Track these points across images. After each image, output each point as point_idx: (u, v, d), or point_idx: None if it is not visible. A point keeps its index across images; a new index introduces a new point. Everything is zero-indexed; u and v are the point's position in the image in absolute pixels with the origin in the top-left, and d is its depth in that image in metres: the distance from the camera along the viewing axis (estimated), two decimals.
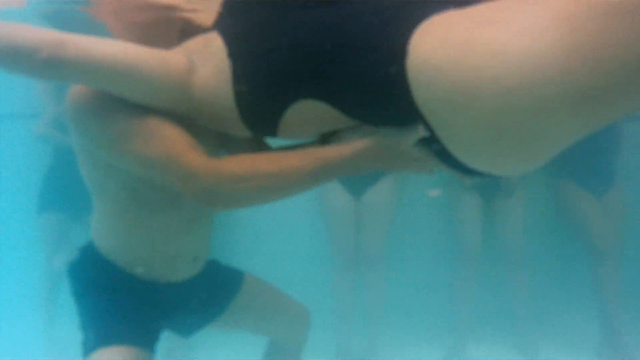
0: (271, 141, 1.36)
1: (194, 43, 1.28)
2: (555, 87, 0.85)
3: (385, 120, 1.10)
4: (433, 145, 1.04)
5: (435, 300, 3.29)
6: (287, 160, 1.14)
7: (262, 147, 1.39)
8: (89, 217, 1.47)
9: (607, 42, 0.82)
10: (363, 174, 1.17)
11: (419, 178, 3.24)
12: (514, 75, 0.87)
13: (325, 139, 1.23)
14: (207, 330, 1.69)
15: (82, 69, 1.07)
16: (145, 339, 1.41)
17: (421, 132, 1.02)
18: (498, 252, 3.19)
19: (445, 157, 1.04)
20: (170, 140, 1.16)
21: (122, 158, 1.19)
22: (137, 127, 1.15)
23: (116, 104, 1.16)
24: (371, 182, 2.94)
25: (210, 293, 1.60)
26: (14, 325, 3.24)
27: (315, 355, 2.11)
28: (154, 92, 1.16)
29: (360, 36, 1.05)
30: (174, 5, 1.69)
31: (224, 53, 1.18)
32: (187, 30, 1.37)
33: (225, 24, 1.25)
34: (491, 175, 1.07)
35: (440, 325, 3.26)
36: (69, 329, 1.76)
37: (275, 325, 1.78)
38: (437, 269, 3.32)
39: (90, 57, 1.06)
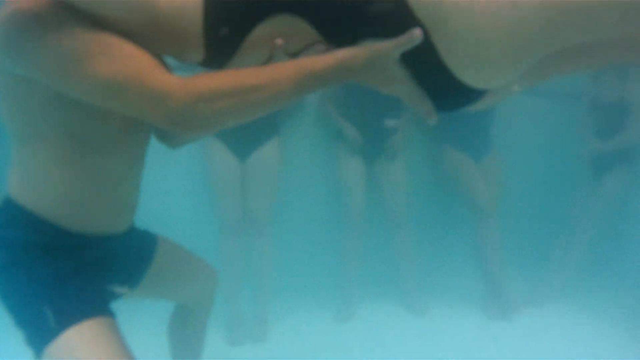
0: None
1: None
2: (533, 10, 1.01)
3: (375, 33, 1.07)
4: (425, 58, 1.07)
5: (324, 263, 3.34)
6: (270, 72, 1.05)
7: None
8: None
9: None
10: (349, 80, 1.08)
11: (302, 141, 3.30)
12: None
13: None
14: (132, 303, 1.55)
15: None
16: (105, 304, 1.25)
17: (418, 34, 1.01)
18: (383, 214, 3.28)
19: (431, 75, 1.09)
20: (137, 58, 1.02)
21: (78, 84, 1.02)
22: (96, 46, 1.00)
23: (66, 21, 1.01)
24: (256, 145, 2.93)
25: (137, 250, 1.46)
26: None
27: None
28: None
29: None
30: None
31: None
32: None
33: None
34: (460, 103, 1.18)
35: (329, 287, 3.31)
36: None
37: (189, 288, 1.67)
38: (325, 231, 3.36)
39: None
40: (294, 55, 1.13)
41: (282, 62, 1.07)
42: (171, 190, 3.11)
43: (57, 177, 1.19)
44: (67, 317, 1.14)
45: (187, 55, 1.14)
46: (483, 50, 1.05)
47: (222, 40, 1.11)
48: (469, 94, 1.14)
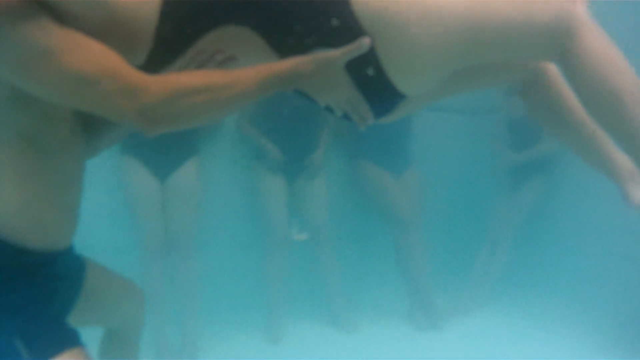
0: None
1: None
2: (456, 27, 1.18)
3: (323, 43, 1.17)
4: (367, 65, 1.19)
5: (249, 285, 3.28)
6: (237, 73, 1.11)
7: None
8: None
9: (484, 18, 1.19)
10: (300, 85, 1.18)
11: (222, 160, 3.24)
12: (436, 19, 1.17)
13: None
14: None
15: None
16: (75, 332, 1.17)
17: (367, 42, 1.13)
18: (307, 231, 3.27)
19: (370, 81, 1.21)
20: (107, 53, 1.02)
21: (45, 79, 0.99)
22: (65, 40, 0.99)
23: (33, 16, 0.97)
24: (174, 165, 2.87)
25: (72, 272, 1.34)
26: None
27: None
28: None
29: None
30: None
31: None
32: None
33: None
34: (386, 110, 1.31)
35: (256, 309, 3.24)
36: None
37: (118, 310, 1.56)
38: (249, 251, 3.31)
39: None
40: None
41: (245, 67, 1.14)
42: (91, 210, 2.89)
43: (14, 185, 1.10)
44: (44, 351, 1.08)
45: (128, 57, 1.11)
46: (416, 58, 1.19)
47: (169, 44, 1.14)
48: (397, 100, 1.28)
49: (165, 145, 2.78)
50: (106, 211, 2.95)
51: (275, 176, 3.15)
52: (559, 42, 1.23)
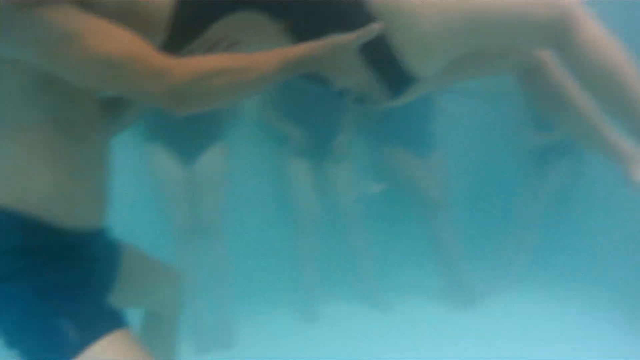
0: None
1: None
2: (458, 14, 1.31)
3: (335, 29, 1.23)
4: (380, 50, 1.29)
5: (283, 265, 3.31)
6: (256, 57, 1.15)
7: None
8: None
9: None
10: (316, 68, 1.23)
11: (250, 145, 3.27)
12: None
13: None
14: None
15: None
16: (120, 312, 1.19)
17: (377, 27, 1.20)
18: (336, 215, 3.30)
19: (382, 63, 1.32)
20: (131, 38, 1.06)
21: (74, 62, 1.01)
22: (92, 25, 1.02)
23: (58, 2, 1.01)
24: (201, 150, 2.91)
25: (109, 252, 1.38)
26: None
27: None
28: None
29: None
30: None
31: None
32: None
33: None
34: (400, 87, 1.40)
35: (291, 290, 3.28)
36: None
37: (157, 292, 1.58)
38: (281, 233, 3.33)
39: None
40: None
41: (269, 51, 1.18)
42: (121, 198, 2.94)
43: (45, 167, 1.12)
44: (92, 331, 1.09)
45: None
46: (424, 42, 1.31)
47: (185, 29, 1.19)
48: (407, 82, 1.38)
49: (191, 131, 2.83)
50: (137, 197, 2.98)
51: (301, 160, 3.19)
52: (555, 28, 1.36)
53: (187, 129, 2.80)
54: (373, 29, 1.21)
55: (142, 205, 3.02)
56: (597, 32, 1.39)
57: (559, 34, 1.36)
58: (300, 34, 1.26)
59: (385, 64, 1.32)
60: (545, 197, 3.51)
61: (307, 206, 3.18)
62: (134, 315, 1.58)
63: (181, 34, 1.21)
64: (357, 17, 1.26)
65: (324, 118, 3.14)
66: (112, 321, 1.14)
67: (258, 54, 1.17)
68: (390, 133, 3.38)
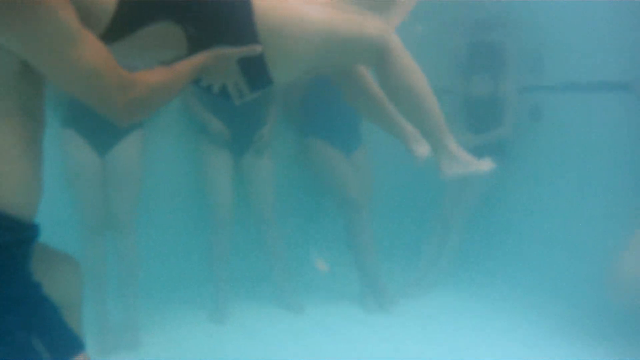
0: None
1: None
2: (318, 37, 1.68)
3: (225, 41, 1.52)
4: (254, 61, 1.57)
5: (194, 264, 3.23)
6: (174, 68, 1.37)
7: None
8: None
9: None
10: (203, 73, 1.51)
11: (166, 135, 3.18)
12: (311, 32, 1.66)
13: None
14: None
15: None
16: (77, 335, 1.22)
17: (258, 48, 1.54)
18: (251, 211, 3.22)
19: (254, 72, 1.61)
20: (104, 50, 1.16)
21: (62, 63, 1.09)
22: (79, 32, 1.10)
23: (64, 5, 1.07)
24: (116, 139, 2.76)
25: None
26: None
27: None
28: None
29: None
30: None
31: None
32: None
33: None
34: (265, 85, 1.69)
35: (201, 290, 3.20)
36: None
37: (56, 283, 1.45)
38: (193, 230, 3.25)
39: None
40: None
41: (180, 62, 1.42)
42: None
43: (22, 159, 1.11)
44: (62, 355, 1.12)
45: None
46: (290, 60, 1.66)
47: (119, 29, 1.36)
48: (268, 85, 1.68)
49: (106, 118, 2.66)
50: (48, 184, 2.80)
51: (220, 151, 3.09)
52: (378, 52, 1.84)
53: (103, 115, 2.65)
54: (256, 49, 1.53)
55: (50, 193, 2.84)
56: (407, 61, 1.89)
57: (383, 57, 1.84)
58: (198, 42, 1.49)
59: (255, 72, 1.61)
60: (470, 199, 3.54)
61: (222, 200, 3.09)
62: None
63: (113, 33, 1.35)
64: (244, 34, 1.53)
65: (247, 109, 2.96)
66: (78, 344, 1.18)
67: (177, 65, 1.39)
68: (313, 125, 3.32)
